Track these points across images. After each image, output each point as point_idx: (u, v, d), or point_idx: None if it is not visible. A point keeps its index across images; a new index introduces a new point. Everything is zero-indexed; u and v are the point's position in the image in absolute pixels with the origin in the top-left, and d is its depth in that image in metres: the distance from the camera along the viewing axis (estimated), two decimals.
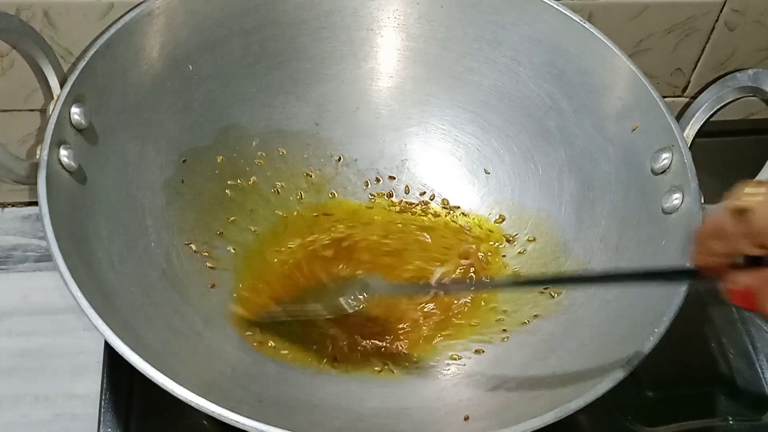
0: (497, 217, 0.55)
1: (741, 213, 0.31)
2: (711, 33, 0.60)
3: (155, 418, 0.48)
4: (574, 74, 0.53)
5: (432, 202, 0.57)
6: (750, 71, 0.50)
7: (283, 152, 0.56)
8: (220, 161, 0.53)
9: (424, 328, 0.51)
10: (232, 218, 0.53)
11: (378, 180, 0.57)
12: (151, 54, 0.49)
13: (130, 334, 0.38)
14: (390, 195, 0.57)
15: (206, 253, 0.51)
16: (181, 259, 0.49)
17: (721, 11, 0.58)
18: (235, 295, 0.50)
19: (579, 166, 0.53)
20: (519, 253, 0.54)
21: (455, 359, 0.49)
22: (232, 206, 0.53)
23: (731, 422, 0.52)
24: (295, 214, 0.55)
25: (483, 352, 0.49)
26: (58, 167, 0.42)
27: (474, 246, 0.54)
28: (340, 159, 0.57)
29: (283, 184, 0.56)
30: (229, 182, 0.54)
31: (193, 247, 0.50)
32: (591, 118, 0.53)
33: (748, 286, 0.31)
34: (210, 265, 0.50)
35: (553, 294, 0.51)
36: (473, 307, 0.52)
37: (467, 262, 0.54)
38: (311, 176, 0.56)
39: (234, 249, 0.52)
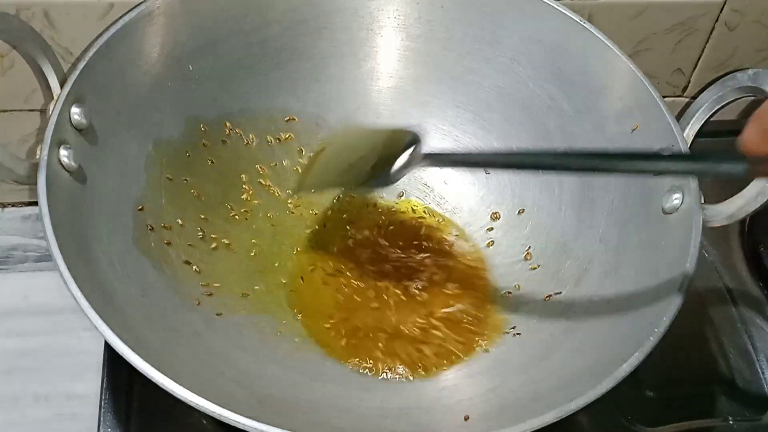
0: (494, 214, 0.56)
1: None
2: (711, 33, 0.60)
3: (155, 418, 0.48)
4: (574, 74, 0.53)
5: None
6: (750, 71, 0.50)
7: (283, 153, 0.56)
8: (221, 161, 0.53)
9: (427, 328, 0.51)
10: (232, 218, 0.53)
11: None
12: (151, 54, 0.49)
13: (130, 334, 0.38)
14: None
15: (207, 254, 0.51)
16: (181, 258, 0.49)
17: (721, 11, 0.58)
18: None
19: None
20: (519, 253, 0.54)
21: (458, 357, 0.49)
22: (232, 206, 0.53)
23: (731, 422, 0.52)
24: (294, 213, 0.55)
25: (487, 351, 0.49)
26: (58, 167, 0.42)
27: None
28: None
29: (283, 184, 0.56)
30: (229, 182, 0.54)
31: (194, 246, 0.50)
32: (591, 118, 0.53)
33: None
34: (210, 267, 0.50)
35: (551, 295, 0.51)
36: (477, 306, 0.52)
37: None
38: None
39: (233, 248, 0.52)
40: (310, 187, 0.53)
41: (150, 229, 0.48)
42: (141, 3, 0.48)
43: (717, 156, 0.35)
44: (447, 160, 0.50)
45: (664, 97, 0.50)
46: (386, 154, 0.47)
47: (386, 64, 0.56)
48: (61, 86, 0.45)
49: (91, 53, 0.45)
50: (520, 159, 0.45)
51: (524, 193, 0.55)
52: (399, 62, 0.56)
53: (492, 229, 0.55)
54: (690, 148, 0.38)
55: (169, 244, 0.49)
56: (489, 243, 0.55)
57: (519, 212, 0.55)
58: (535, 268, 0.53)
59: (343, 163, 0.50)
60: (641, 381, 0.53)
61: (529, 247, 0.54)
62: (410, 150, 0.46)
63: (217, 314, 0.48)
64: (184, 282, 0.48)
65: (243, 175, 0.54)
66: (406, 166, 0.46)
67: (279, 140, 0.56)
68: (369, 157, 0.48)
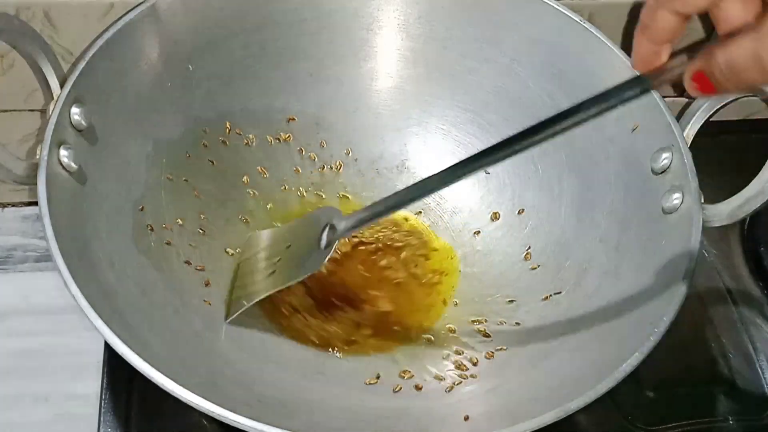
0: (494, 214, 0.56)
1: None
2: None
3: (155, 418, 0.48)
4: (574, 74, 0.53)
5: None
6: None
7: (283, 153, 0.56)
8: (221, 161, 0.53)
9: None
10: (233, 217, 0.53)
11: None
12: (151, 54, 0.49)
13: (130, 334, 0.38)
14: None
15: (207, 254, 0.51)
16: (181, 258, 0.49)
17: None
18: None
19: (579, 166, 0.53)
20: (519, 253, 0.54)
21: (458, 354, 0.49)
22: (232, 206, 0.53)
23: (731, 422, 0.52)
24: (295, 214, 0.55)
25: (492, 356, 0.49)
26: (58, 167, 0.42)
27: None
28: (339, 160, 0.57)
29: (283, 185, 0.56)
30: (229, 182, 0.54)
31: (194, 246, 0.50)
32: None
33: (700, 68, 0.33)
34: (210, 267, 0.50)
35: (551, 295, 0.51)
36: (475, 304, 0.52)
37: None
38: (311, 177, 0.56)
39: (234, 248, 0.52)
40: (237, 309, 0.48)
41: (150, 229, 0.48)
42: (141, 3, 0.48)
43: (619, 87, 0.35)
44: (364, 219, 0.44)
45: (664, 97, 0.50)
46: (305, 241, 0.46)
47: (386, 64, 0.56)
48: (61, 86, 0.45)
49: (91, 53, 0.45)
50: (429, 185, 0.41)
51: (524, 193, 0.55)
52: (399, 62, 0.56)
53: (479, 232, 0.56)
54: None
55: (169, 244, 0.49)
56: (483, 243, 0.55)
57: (519, 212, 0.55)
58: (535, 268, 0.53)
59: (263, 270, 0.49)
60: (641, 381, 0.53)
61: (529, 247, 0.54)
62: (326, 230, 0.45)
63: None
64: (185, 282, 0.48)
65: (244, 176, 0.54)
66: (329, 245, 0.45)
67: (279, 140, 0.56)
68: (288, 253, 0.48)
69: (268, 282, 0.48)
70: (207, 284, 0.49)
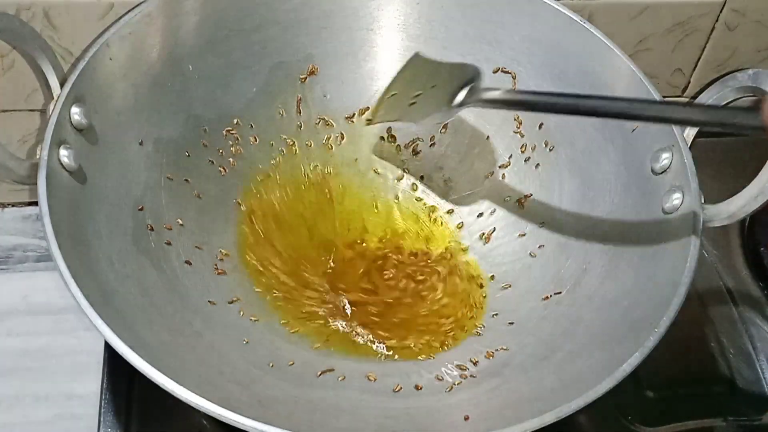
0: (492, 210, 0.56)
1: None
2: (711, 33, 0.60)
3: (155, 418, 0.48)
4: (574, 74, 0.53)
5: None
6: (750, 71, 0.50)
7: (283, 153, 0.56)
8: (220, 161, 0.53)
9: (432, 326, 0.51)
10: (233, 217, 0.53)
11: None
12: (151, 54, 0.49)
13: (130, 334, 0.38)
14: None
15: (207, 252, 0.51)
16: (181, 258, 0.49)
17: (721, 11, 0.58)
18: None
19: (579, 166, 0.53)
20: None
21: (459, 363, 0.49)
22: (233, 206, 0.53)
23: (731, 422, 0.52)
24: (296, 214, 0.55)
25: (492, 356, 0.49)
26: (58, 167, 0.42)
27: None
28: (339, 159, 0.57)
29: (284, 184, 0.56)
30: (229, 182, 0.54)
31: (195, 246, 0.50)
32: (591, 118, 0.52)
33: None
34: (210, 267, 0.50)
35: (551, 295, 0.51)
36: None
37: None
38: (311, 176, 0.56)
39: (233, 246, 0.52)
40: (380, 119, 0.54)
41: (150, 229, 0.48)
42: (141, 3, 0.48)
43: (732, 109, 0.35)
44: (504, 102, 0.48)
45: (664, 97, 0.50)
46: (447, 89, 0.49)
47: (386, 64, 0.56)
48: (61, 86, 0.45)
49: (91, 53, 0.45)
50: (587, 104, 0.45)
51: (524, 193, 0.55)
52: (399, 62, 0.56)
53: (493, 229, 0.56)
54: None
55: (169, 244, 0.49)
56: (486, 239, 0.55)
57: (519, 212, 0.55)
58: (534, 268, 0.53)
59: (406, 99, 0.51)
60: (641, 381, 0.53)
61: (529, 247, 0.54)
62: (468, 87, 0.48)
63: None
64: (185, 282, 0.48)
65: (244, 176, 0.54)
66: (461, 104, 0.48)
67: (279, 140, 0.56)
68: (429, 93, 0.50)
69: (406, 110, 0.51)
70: (207, 284, 0.49)
